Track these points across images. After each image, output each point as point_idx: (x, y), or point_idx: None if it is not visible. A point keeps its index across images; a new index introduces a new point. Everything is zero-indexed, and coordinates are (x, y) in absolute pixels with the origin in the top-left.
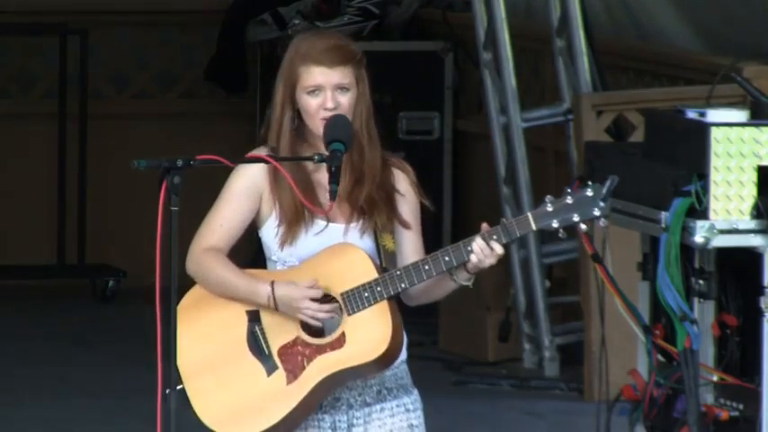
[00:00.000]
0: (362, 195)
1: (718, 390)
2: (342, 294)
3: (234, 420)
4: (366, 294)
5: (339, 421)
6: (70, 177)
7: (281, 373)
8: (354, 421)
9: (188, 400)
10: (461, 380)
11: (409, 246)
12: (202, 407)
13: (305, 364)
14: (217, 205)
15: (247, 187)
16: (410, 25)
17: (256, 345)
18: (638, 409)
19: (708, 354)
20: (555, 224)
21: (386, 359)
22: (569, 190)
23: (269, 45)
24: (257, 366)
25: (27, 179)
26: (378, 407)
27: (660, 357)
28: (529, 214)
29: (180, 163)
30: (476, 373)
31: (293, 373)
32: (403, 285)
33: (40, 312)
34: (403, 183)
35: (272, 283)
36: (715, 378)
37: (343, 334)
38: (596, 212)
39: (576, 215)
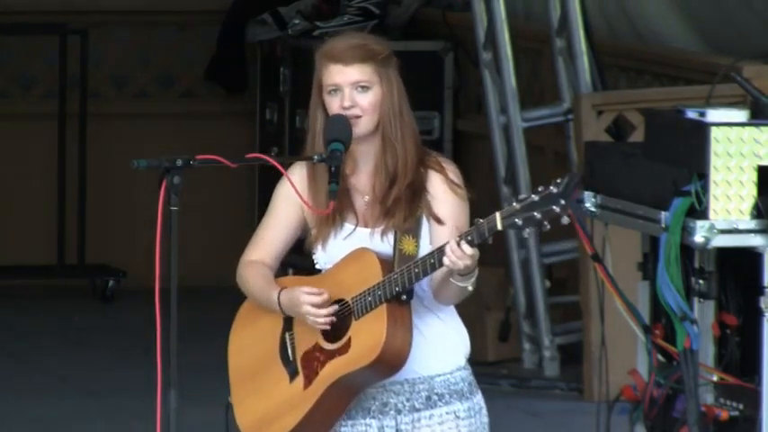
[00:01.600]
0: (391, 198)
1: (719, 390)
2: (352, 299)
3: (260, 427)
4: (369, 299)
5: (387, 426)
6: (70, 177)
7: (300, 378)
8: (402, 426)
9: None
10: None
11: (442, 241)
12: (240, 414)
13: (318, 369)
14: (264, 217)
15: (286, 196)
16: (410, 25)
17: (284, 351)
18: (638, 409)
19: (708, 354)
20: (519, 222)
21: (381, 364)
22: (540, 188)
23: (269, 45)
24: (283, 373)
25: (27, 179)
26: (427, 413)
27: (660, 357)
28: (497, 214)
29: (180, 163)
30: (476, 372)
31: (309, 378)
32: (397, 289)
33: (40, 312)
34: (436, 183)
35: (280, 291)
36: (715, 378)
37: (349, 339)
38: (555, 209)
39: (538, 213)
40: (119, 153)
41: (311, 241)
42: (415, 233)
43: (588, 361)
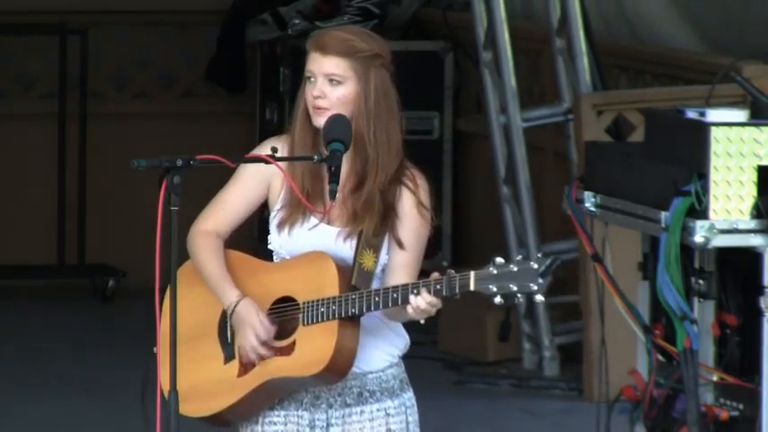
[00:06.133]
0: (360, 201)
1: (718, 390)
2: (304, 303)
3: (185, 399)
4: (322, 310)
5: (318, 420)
6: (70, 177)
7: (235, 363)
8: (333, 421)
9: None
10: (461, 380)
11: (397, 263)
12: (166, 378)
13: (256, 361)
14: (224, 188)
15: (254, 174)
16: (410, 25)
17: (223, 330)
18: (638, 409)
19: (708, 354)
20: (493, 289)
21: (323, 377)
22: (519, 257)
23: (269, 45)
24: (218, 351)
25: (27, 179)
26: (358, 409)
27: (660, 357)
28: (471, 273)
29: (180, 163)
30: (476, 372)
31: (245, 367)
32: (354, 311)
33: (40, 312)
34: (407, 205)
35: (242, 298)
36: (715, 378)
37: (293, 342)
38: (533, 287)
39: (514, 285)
40: (119, 153)
41: (278, 220)
42: (377, 249)
43: (588, 361)
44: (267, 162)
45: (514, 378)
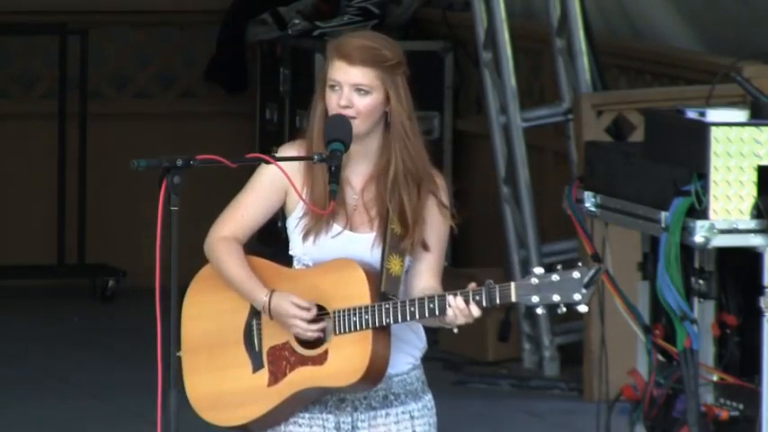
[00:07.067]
0: (385, 206)
1: (718, 390)
2: (334, 312)
3: (212, 407)
4: (354, 319)
5: (343, 422)
6: (70, 177)
7: (264, 372)
8: (359, 424)
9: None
10: (461, 380)
11: (422, 266)
12: (190, 384)
13: (287, 370)
14: (242, 193)
15: (273, 180)
16: (410, 25)
17: (250, 338)
18: (638, 409)
19: (708, 354)
20: (535, 299)
21: (360, 386)
22: (559, 267)
23: (269, 45)
24: (246, 360)
25: (27, 179)
26: (383, 412)
27: (660, 357)
28: (512, 284)
29: (180, 163)
30: (476, 372)
31: (275, 377)
32: (388, 321)
33: (40, 312)
34: (429, 204)
35: (272, 293)
36: (715, 378)
37: (326, 351)
38: (576, 297)
39: (557, 296)
40: (119, 153)
41: (303, 229)
42: (402, 254)
43: (588, 361)
44: (268, 162)
45: (514, 378)
